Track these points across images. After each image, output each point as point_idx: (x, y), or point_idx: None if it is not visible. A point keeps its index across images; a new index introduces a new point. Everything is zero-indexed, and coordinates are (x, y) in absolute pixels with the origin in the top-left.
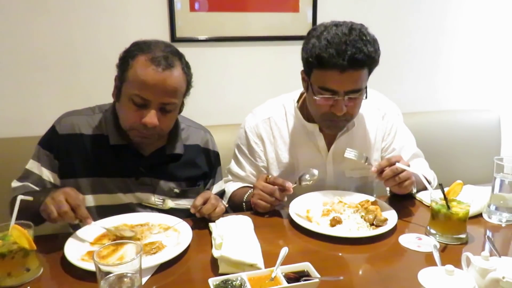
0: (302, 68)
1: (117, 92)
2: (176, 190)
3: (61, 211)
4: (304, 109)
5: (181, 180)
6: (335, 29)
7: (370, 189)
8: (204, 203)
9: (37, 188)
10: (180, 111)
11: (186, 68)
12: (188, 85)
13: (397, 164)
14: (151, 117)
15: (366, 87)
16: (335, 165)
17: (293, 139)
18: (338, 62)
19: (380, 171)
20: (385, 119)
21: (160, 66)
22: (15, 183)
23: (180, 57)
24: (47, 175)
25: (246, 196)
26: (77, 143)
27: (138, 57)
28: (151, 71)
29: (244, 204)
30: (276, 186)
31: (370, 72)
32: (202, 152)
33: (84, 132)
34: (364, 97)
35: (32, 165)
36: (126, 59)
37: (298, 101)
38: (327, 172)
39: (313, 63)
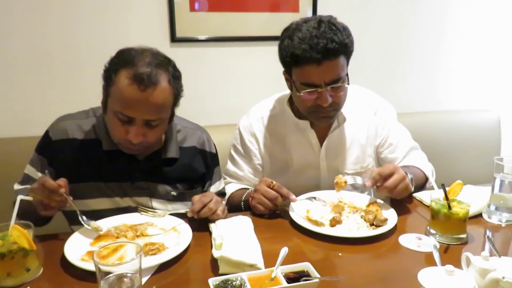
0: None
1: (104, 103)
2: (173, 193)
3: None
4: (295, 106)
5: (177, 182)
6: (305, 26)
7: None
8: (203, 207)
9: None
10: (170, 120)
11: (174, 79)
12: (177, 96)
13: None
14: (135, 135)
15: (347, 75)
16: (329, 161)
17: (286, 136)
18: (312, 55)
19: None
20: (377, 114)
21: (142, 84)
22: (16, 186)
23: (167, 68)
24: None
25: (244, 195)
26: (70, 148)
27: (121, 73)
28: (133, 90)
29: (242, 203)
30: (278, 194)
31: (348, 59)
32: (199, 153)
33: (77, 137)
34: (346, 85)
35: (29, 170)
36: (109, 74)
37: (289, 100)
38: (321, 168)
39: (290, 62)
